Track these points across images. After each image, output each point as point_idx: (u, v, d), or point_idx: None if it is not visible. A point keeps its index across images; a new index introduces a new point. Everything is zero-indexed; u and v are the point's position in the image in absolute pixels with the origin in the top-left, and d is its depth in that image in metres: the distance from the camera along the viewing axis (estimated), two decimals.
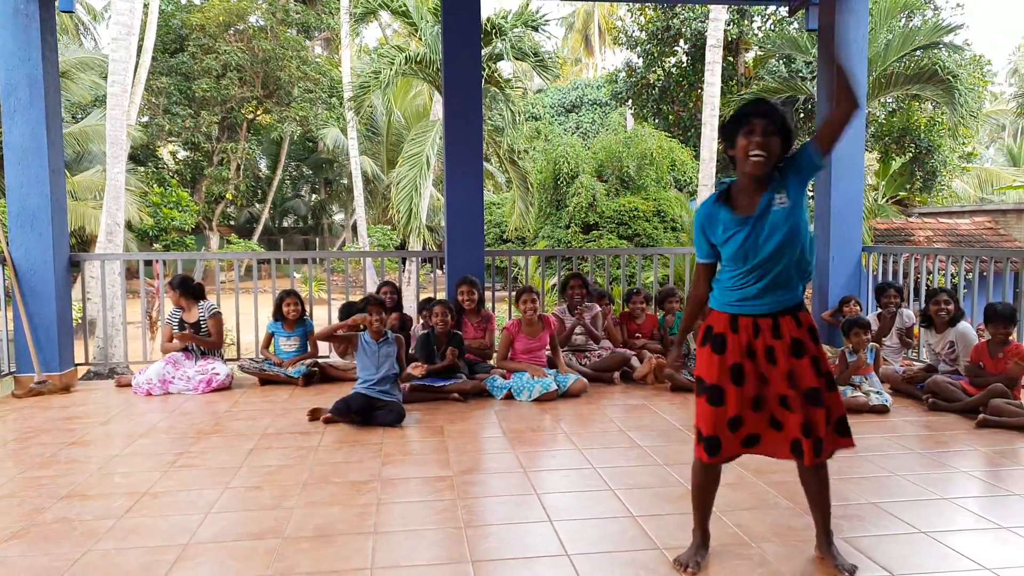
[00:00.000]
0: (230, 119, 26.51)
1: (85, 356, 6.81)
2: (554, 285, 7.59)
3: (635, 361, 6.21)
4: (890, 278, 6.85)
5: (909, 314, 6.34)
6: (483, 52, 12.50)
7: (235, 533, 3.12)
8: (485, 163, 16.53)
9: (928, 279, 6.87)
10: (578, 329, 6.37)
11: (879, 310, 6.41)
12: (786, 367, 2.60)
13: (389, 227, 25.23)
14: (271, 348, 6.45)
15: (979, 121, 19.69)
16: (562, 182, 18.41)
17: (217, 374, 5.94)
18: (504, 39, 15.96)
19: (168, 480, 3.80)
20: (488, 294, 6.68)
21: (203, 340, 6.14)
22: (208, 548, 2.98)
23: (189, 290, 6.18)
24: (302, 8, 26.98)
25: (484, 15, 12.81)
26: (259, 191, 32.25)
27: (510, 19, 16.16)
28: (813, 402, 2.59)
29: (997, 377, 4.94)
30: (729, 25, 17.98)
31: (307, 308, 6.63)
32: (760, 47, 18.51)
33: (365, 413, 4.81)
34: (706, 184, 14.93)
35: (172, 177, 26.67)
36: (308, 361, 6.25)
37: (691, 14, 18.50)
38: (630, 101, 21.22)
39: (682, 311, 6.81)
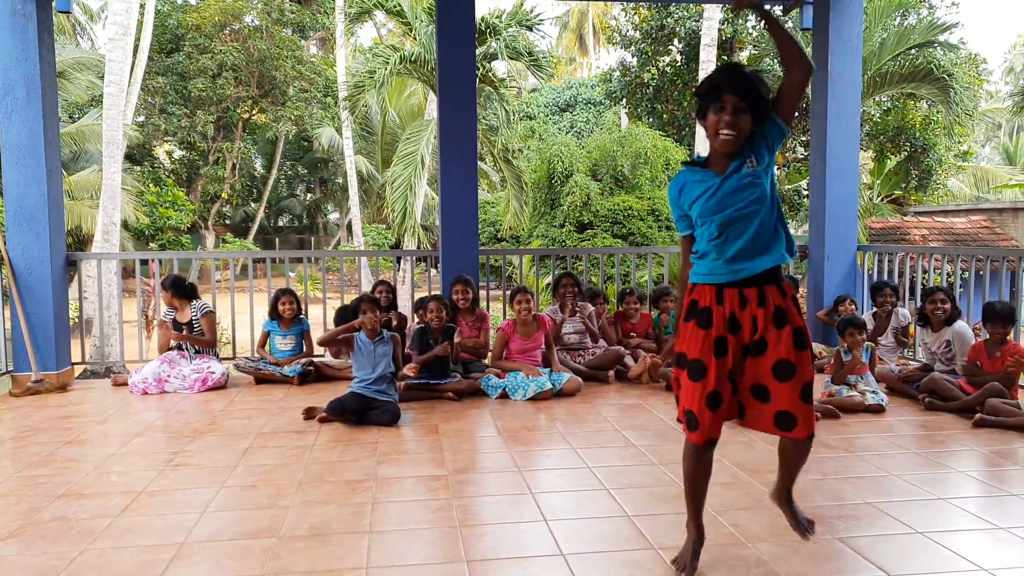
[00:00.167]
0: (226, 118, 26.48)
1: (82, 355, 6.80)
2: (548, 284, 7.61)
3: (629, 360, 6.22)
4: (886, 277, 6.86)
5: (905, 313, 6.36)
6: (477, 51, 12.51)
7: (231, 532, 3.13)
8: (479, 162, 16.55)
9: (924, 278, 6.89)
10: (571, 328, 6.37)
11: (875, 309, 6.42)
12: (760, 335, 2.57)
13: (384, 226, 25.22)
14: (267, 347, 6.45)
15: (974, 120, 19.72)
16: (556, 181, 18.42)
17: (212, 373, 5.94)
18: (498, 38, 15.96)
19: (164, 479, 3.80)
20: (482, 293, 6.69)
21: (196, 339, 6.14)
22: (204, 547, 2.98)
23: (181, 290, 6.18)
24: (297, 8, 26.95)
25: (478, 14, 12.81)
26: (255, 190, 32.22)
27: (504, 18, 16.16)
28: (781, 376, 2.55)
29: (995, 376, 4.95)
30: (723, 24, 17.99)
31: (303, 307, 6.64)
32: (754, 46, 18.52)
33: (360, 413, 4.81)
34: None
35: (168, 176, 26.63)
36: (304, 360, 6.25)
37: (685, 13, 18.50)
38: (624, 100, 21.21)
39: (676, 311, 6.83)
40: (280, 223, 37.11)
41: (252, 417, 5.06)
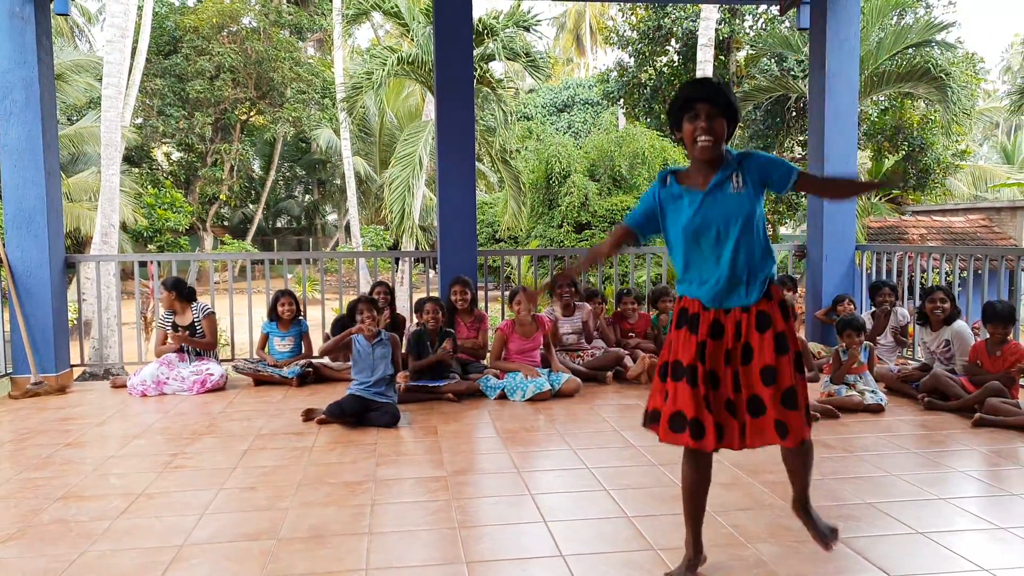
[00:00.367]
0: (224, 120, 26.48)
1: (81, 357, 6.80)
2: (546, 284, 7.62)
3: (628, 360, 6.22)
4: (884, 276, 6.87)
5: (904, 312, 6.36)
6: (475, 52, 12.51)
7: (230, 534, 3.13)
8: (477, 163, 16.54)
9: (922, 277, 6.89)
10: (569, 328, 6.37)
11: (873, 309, 6.42)
12: (744, 341, 2.55)
13: (382, 227, 25.22)
14: (266, 349, 6.45)
15: (972, 119, 19.75)
16: (554, 182, 18.43)
17: (211, 375, 5.94)
18: (496, 39, 15.97)
19: (163, 481, 3.80)
20: (480, 294, 6.69)
21: (198, 342, 6.14)
22: (203, 549, 2.98)
23: (183, 292, 6.18)
24: (295, 10, 26.97)
25: (476, 16, 12.82)
26: (253, 192, 32.22)
27: (502, 19, 16.17)
28: (766, 381, 2.53)
29: (996, 376, 4.94)
30: (720, 24, 18.01)
31: (302, 308, 6.63)
32: (751, 46, 18.55)
33: (359, 415, 4.81)
34: None
35: (166, 178, 26.64)
36: (302, 362, 6.25)
37: (682, 13, 18.51)
38: (622, 100, 21.23)
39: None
40: (278, 224, 37.12)
41: (251, 419, 5.06)
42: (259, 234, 32.94)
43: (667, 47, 19.59)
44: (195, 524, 3.23)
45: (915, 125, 17.25)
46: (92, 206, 18.49)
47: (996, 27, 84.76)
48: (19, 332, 5.92)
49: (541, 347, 5.94)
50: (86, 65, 20.23)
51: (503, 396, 5.57)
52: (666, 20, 18.70)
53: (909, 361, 6.29)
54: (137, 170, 25.56)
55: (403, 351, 5.72)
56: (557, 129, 29.47)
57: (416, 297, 6.47)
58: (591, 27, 41.63)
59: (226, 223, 33.41)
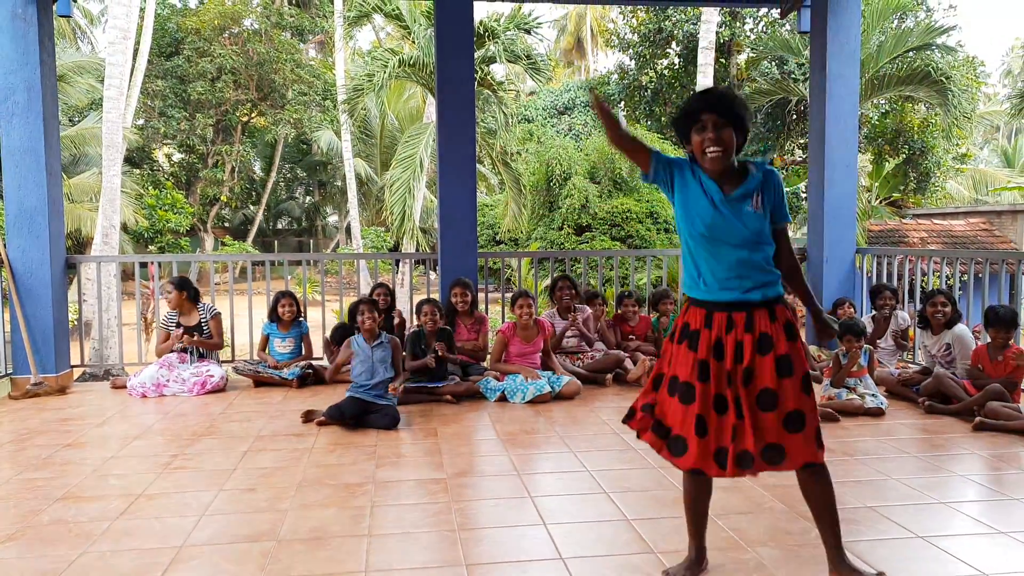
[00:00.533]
0: (225, 122, 26.49)
1: (81, 358, 6.80)
2: (547, 287, 7.63)
3: (628, 363, 6.22)
4: (884, 280, 6.86)
5: (904, 316, 6.35)
6: (476, 55, 12.53)
7: (229, 535, 3.13)
8: (478, 165, 16.55)
9: (923, 280, 6.88)
10: (571, 332, 6.37)
11: (874, 312, 6.42)
12: (747, 364, 2.50)
13: (383, 229, 25.22)
14: (266, 350, 6.45)
15: (973, 122, 19.76)
16: (555, 184, 18.43)
17: (211, 376, 5.93)
18: (497, 42, 15.98)
19: (163, 482, 3.80)
20: (481, 296, 6.69)
21: (207, 343, 6.16)
22: (202, 550, 2.98)
23: (191, 293, 6.20)
24: (296, 12, 26.99)
25: (477, 18, 12.83)
26: (253, 193, 32.22)
27: (503, 22, 16.18)
28: (764, 405, 2.49)
29: (997, 380, 4.94)
30: (721, 27, 18.03)
31: (302, 309, 6.63)
32: (752, 49, 18.57)
33: (359, 417, 4.80)
34: None
35: (167, 179, 26.65)
36: (303, 363, 6.25)
37: (683, 16, 18.54)
38: (622, 103, 21.25)
39: (676, 313, 6.83)
40: (279, 226, 37.10)
41: (251, 420, 5.06)
42: (260, 235, 32.94)
43: (668, 50, 19.61)
44: (195, 525, 3.23)
45: (916, 128, 17.26)
46: (93, 207, 18.50)
47: (997, 31, 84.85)
48: (19, 332, 5.92)
49: (541, 351, 5.94)
50: (88, 66, 20.26)
51: (503, 398, 5.57)
52: (667, 23, 18.73)
53: (909, 365, 6.28)
54: (138, 171, 25.57)
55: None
56: (558, 131, 29.45)
57: (417, 299, 6.48)
58: (592, 30, 41.64)
59: (227, 224, 33.41)
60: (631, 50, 19.95)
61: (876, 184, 19.31)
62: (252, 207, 32.54)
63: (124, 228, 19.84)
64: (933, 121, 17.16)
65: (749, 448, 2.48)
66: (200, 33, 24.61)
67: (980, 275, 6.11)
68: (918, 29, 15.57)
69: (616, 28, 21.49)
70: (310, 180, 34.90)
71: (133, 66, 16.45)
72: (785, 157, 18.78)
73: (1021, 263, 5.76)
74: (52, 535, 3.14)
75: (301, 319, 6.55)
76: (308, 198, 36.48)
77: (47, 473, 3.97)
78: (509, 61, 16.59)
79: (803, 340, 2.62)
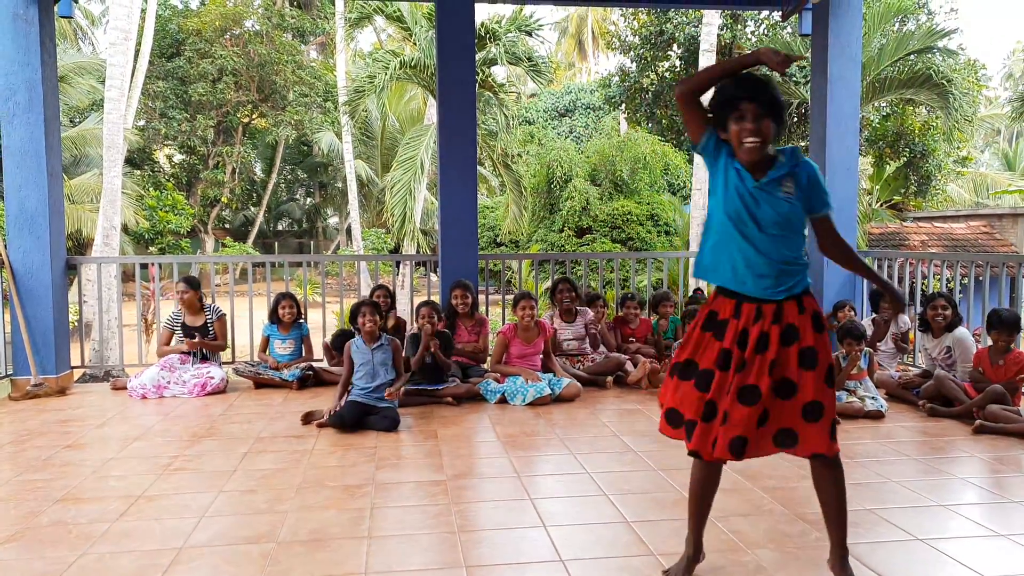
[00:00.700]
0: (226, 123, 26.51)
1: (81, 359, 6.80)
2: (547, 289, 7.64)
3: (629, 365, 6.22)
4: None
5: (904, 319, 6.35)
6: (477, 57, 12.53)
7: (229, 537, 3.13)
8: (479, 167, 16.57)
9: (923, 284, 6.89)
10: (570, 334, 6.36)
11: (874, 315, 6.42)
12: (773, 355, 2.50)
13: (383, 230, 25.23)
14: (267, 351, 6.45)
15: (974, 125, 19.76)
16: (555, 186, 18.45)
17: (212, 378, 5.94)
18: (498, 44, 16.00)
19: (163, 483, 3.80)
20: (481, 298, 6.69)
21: (212, 345, 6.17)
22: (202, 552, 2.98)
23: (200, 294, 6.24)
24: (297, 13, 27.01)
25: (478, 20, 12.86)
26: (254, 194, 32.23)
27: (504, 24, 16.21)
28: (781, 394, 2.50)
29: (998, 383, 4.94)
30: (722, 30, 18.02)
31: (302, 311, 6.63)
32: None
33: (359, 420, 4.79)
34: (699, 188, 14.94)
35: (168, 180, 26.66)
36: (303, 365, 6.25)
37: (684, 19, 18.54)
38: (623, 105, 21.24)
39: (675, 315, 6.83)
40: (280, 227, 37.11)
41: (251, 421, 5.06)
42: (260, 237, 32.95)
43: (669, 52, 19.61)
44: (194, 527, 3.23)
45: (917, 131, 17.27)
46: (94, 208, 18.50)
47: (998, 34, 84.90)
48: (20, 333, 5.92)
49: (542, 353, 5.94)
50: (89, 67, 20.28)
51: (503, 400, 5.57)
52: (668, 25, 18.73)
53: (910, 368, 6.28)
54: (139, 172, 25.59)
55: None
56: (559, 133, 29.49)
57: (417, 301, 6.48)
58: (593, 32, 41.67)
59: (227, 226, 33.42)
60: (632, 52, 19.94)
61: (877, 187, 19.32)
62: (253, 208, 32.55)
63: (125, 229, 19.85)
64: (934, 124, 17.17)
65: (749, 435, 2.51)
66: (201, 34, 24.62)
67: (980, 278, 6.12)
68: (919, 32, 15.58)
69: (617, 30, 21.49)
70: (311, 182, 34.92)
71: (134, 67, 16.45)
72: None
73: (1021, 266, 5.76)
74: (51, 536, 3.14)
75: (301, 321, 6.55)
76: (309, 200, 36.50)
77: (47, 474, 3.97)
78: (510, 63, 16.62)
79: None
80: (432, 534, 3.15)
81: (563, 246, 18.24)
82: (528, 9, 16.36)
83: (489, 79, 17.16)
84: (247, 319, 7.09)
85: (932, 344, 5.57)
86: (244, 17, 25.56)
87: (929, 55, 15.48)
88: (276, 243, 34.83)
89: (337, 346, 6.11)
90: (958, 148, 19.13)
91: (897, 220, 18.14)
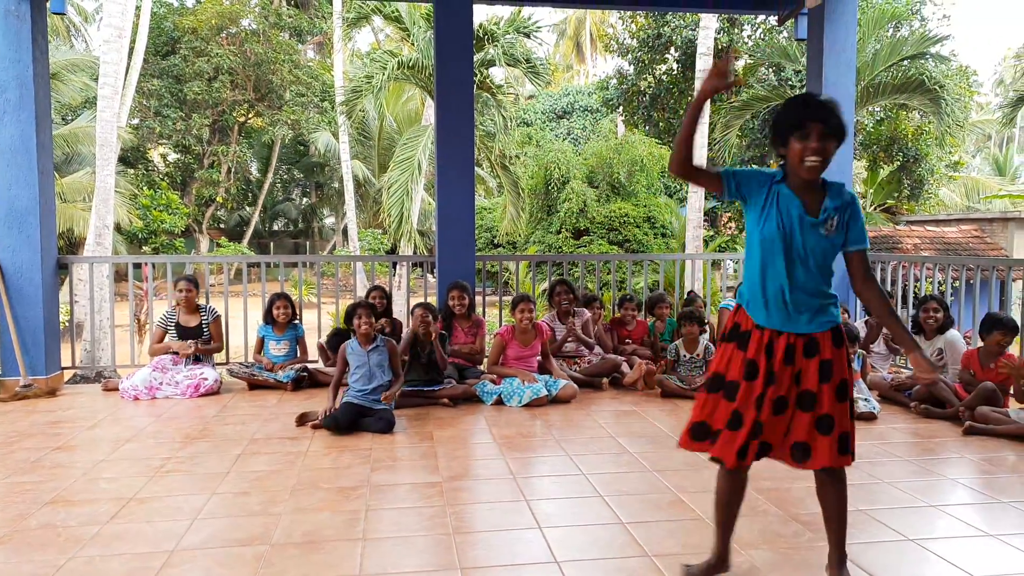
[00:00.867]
0: (221, 122, 26.44)
1: (72, 360, 6.75)
2: (544, 290, 7.62)
3: (625, 367, 6.21)
4: None
5: None
6: (475, 58, 12.54)
7: (222, 539, 3.10)
8: (476, 168, 16.56)
9: (916, 286, 6.93)
10: (569, 337, 6.36)
11: (867, 317, 6.43)
12: (799, 367, 2.55)
13: (380, 231, 25.20)
14: (262, 352, 6.42)
15: (965, 131, 19.86)
16: (553, 188, 18.46)
17: (205, 379, 5.90)
18: (496, 45, 16.00)
19: (155, 485, 3.77)
20: (478, 299, 6.68)
21: (208, 348, 6.15)
22: (195, 555, 2.96)
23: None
24: (295, 12, 26.98)
25: (476, 21, 12.84)
26: (250, 194, 32.14)
27: (502, 25, 16.21)
28: (803, 406, 2.54)
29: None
30: (719, 33, 18.07)
31: (298, 312, 6.61)
32: (750, 55, 18.61)
33: (354, 422, 4.77)
34: (695, 191, 14.97)
35: (162, 180, 26.55)
36: (297, 366, 6.23)
37: (682, 22, 18.58)
38: (621, 108, 21.29)
39: (672, 317, 6.83)
40: (275, 227, 37.02)
41: (245, 423, 5.03)
42: (256, 237, 32.87)
43: (667, 55, 19.65)
44: (187, 529, 3.20)
45: (909, 136, 17.34)
46: (86, 207, 18.42)
47: (989, 40, 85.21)
48: (8, 333, 5.87)
49: (539, 355, 5.93)
50: (82, 64, 20.17)
51: (500, 402, 5.55)
52: (666, 29, 18.77)
53: (902, 370, 6.29)
54: (133, 171, 25.47)
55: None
56: (556, 135, 29.51)
57: (414, 302, 6.46)
58: (591, 34, 41.75)
59: (222, 225, 33.32)
60: (630, 55, 19.98)
61: (871, 191, 19.38)
62: (248, 208, 32.46)
63: (118, 228, 19.76)
64: (927, 129, 17.25)
65: (775, 442, 2.56)
66: (197, 32, 24.55)
67: (971, 281, 6.15)
68: (912, 38, 15.66)
69: (615, 33, 21.53)
70: (307, 182, 34.86)
71: (128, 65, 16.39)
72: (782, 163, 18.83)
73: (1011, 269, 5.77)
74: (40, 539, 3.11)
75: (296, 321, 6.53)
76: (305, 200, 36.43)
77: (36, 476, 3.93)
78: (508, 64, 16.62)
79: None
80: (427, 536, 3.13)
81: (560, 248, 18.24)
82: (526, 11, 16.37)
83: (487, 80, 17.16)
84: (242, 320, 7.06)
85: (924, 346, 5.59)
86: (241, 16, 25.50)
87: (922, 61, 15.56)
88: (272, 243, 34.74)
89: (332, 346, 6.08)
90: (950, 153, 19.21)
91: (890, 224, 18.21)
